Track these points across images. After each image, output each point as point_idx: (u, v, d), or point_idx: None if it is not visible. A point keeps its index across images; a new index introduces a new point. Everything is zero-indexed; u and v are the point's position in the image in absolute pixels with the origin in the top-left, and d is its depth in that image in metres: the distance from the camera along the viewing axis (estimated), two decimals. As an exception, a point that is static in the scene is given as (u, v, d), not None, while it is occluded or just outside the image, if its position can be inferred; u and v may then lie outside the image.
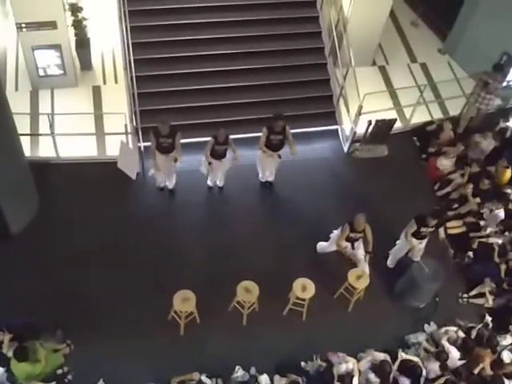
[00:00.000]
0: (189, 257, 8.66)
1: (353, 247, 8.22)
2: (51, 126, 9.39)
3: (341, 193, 9.76)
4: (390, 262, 8.80)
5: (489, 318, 8.29)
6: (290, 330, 8.01)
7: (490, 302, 8.47)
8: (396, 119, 9.96)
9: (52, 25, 9.61)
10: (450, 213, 9.37)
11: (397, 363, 7.33)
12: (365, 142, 10.11)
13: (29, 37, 9.72)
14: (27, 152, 9.07)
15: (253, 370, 7.52)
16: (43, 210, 8.90)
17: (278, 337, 7.89)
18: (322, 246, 8.77)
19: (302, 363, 7.67)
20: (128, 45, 9.61)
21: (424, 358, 7.53)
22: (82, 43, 10.66)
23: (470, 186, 9.41)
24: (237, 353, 7.68)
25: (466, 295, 8.65)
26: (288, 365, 7.58)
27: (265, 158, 9.13)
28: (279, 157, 8.97)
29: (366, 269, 8.20)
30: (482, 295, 8.56)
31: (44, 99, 10.39)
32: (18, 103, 9.20)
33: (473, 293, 8.61)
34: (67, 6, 10.11)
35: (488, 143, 10.06)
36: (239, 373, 7.47)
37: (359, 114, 9.79)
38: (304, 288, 7.77)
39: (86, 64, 10.92)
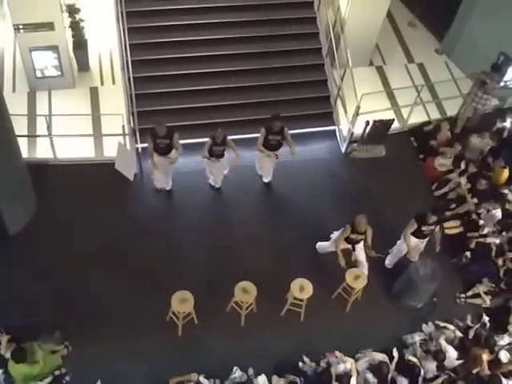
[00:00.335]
0: (187, 258, 8.66)
1: (353, 249, 8.22)
2: (49, 127, 9.41)
3: (339, 193, 9.76)
4: (389, 262, 8.78)
5: (486, 318, 8.29)
6: (288, 330, 8.00)
7: (487, 302, 8.48)
8: (393, 119, 9.97)
9: (49, 26, 9.61)
10: (448, 213, 9.38)
11: (394, 362, 7.35)
12: (362, 143, 10.12)
13: (26, 38, 9.72)
14: (25, 153, 9.07)
15: (251, 371, 7.51)
16: (41, 211, 8.89)
17: (275, 337, 7.88)
18: (322, 245, 8.76)
19: (300, 364, 7.66)
20: (125, 46, 9.63)
21: (422, 358, 7.54)
22: (80, 44, 10.66)
23: (467, 185, 9.43)
24: (235, 353, 7.67)
25: (463, 295, 8.66)
26: (286, 365, 7.57)
27: (263, 158, 9.14)
28: (277, 157, 8.98)
29: (366, 271, 8.21)
30: (479, 295, 8.57)
31: (41, 100, 10.39)
32: (15, 104, 9.18)
33: (469, 293, 8.62)
34: (64, 8, 10.13)
35: (485, 143, 10.08)
36: (237, 373, 7.46)
37: (357, 114, 9.80)
38: (302, 288, 7.76)
39: (83, 65, 10.93)
